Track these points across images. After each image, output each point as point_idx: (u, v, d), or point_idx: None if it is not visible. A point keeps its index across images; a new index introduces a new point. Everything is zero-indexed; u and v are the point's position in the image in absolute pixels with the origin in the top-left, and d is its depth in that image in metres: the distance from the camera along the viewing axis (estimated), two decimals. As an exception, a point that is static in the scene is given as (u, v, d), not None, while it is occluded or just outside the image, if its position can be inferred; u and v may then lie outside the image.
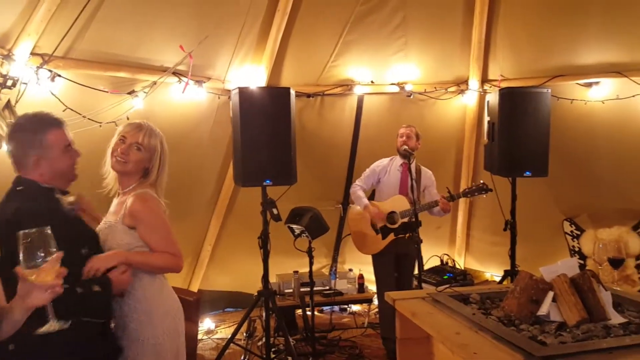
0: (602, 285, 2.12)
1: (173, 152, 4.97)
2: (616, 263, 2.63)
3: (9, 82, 3.47)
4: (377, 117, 5.63)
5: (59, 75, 3.74)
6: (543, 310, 2.04)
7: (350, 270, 5.89)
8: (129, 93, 4.18)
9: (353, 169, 5.79)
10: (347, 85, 5.37)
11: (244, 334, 4.68)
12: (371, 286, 5.56)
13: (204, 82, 4.62)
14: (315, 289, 4.54)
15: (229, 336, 4.17)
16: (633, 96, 4.67)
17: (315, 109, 5.46)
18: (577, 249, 5.35)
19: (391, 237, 4.37)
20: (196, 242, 5.53)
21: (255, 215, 3.99)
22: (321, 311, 5.81)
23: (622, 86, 4.73)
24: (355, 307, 5.91)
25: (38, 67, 3.63)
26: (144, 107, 4.28)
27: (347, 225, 5.25)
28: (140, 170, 2.42)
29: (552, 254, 5.33)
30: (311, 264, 4.29)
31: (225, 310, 5.84)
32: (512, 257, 4.39)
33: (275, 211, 3.89)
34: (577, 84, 4.97)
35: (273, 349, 4.34)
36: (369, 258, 4.63)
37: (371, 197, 4.71)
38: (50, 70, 3.69)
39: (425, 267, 5.14)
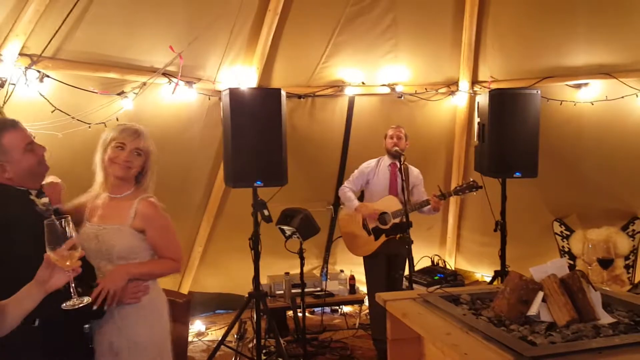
0: (592, 285, 2.13)
1: (163, 153, 4.94)
2: (605, 263, 2.65)
3: (-3, 83, 3.45)
4: (368, 118, 5.63)
5: (48, 76, 3.72)
6: (533, 310, 2.04)
7: (342, 271, 5.88)
8: (119, 94, 4.17)
9: (344, 170, 5.78)
10: (338, 87, 5.37)
11: (235, 336, 4.67)
12: (362, 287, 5.56)
13: (194, 83, 4.60)
14: (306, 290, 4.54)
15: (220, 338, 4.15)
16: (622, 97, 4.70)
17: (306, 110, 5.46)
18: (566, 249, 5.38)
19: (383, 237, 4.38)
20: (187, 244, 5.50)
21: (246, 217, 3.98)
22: (312, 312, 5.81)
23: (611, 87, 4.76)
24: (347, 309, 5.91)
25: (26, 68, 3.60)
26: (134, 108, 4.26)
27: (337, 227, 5.24)
28: (135, 175, 2.46)
29: (542, 254, 5.36)
30: (302, 265, 4.28)
31: (216, 312, 5.82)
32: (502, 257, 4.40)
33: (266, 212, 3.88)
34: (567, 85, 5.01)
35: (264, 351, 4.33)
36: (360, 259, 4.62)
37: (360, 198, 4.72)
38: (39, 71, 3.67)
39: (416, 268, 5.14)
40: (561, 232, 5.45)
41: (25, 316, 1.61)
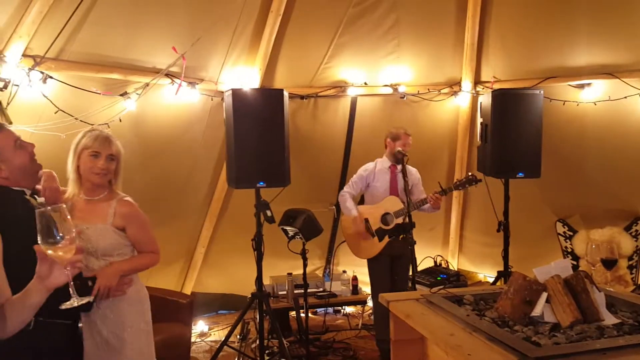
0: (596, 286, 2.12)
1: (166, 154, 4.99)
2: (609, 264, 2.64)
3: (0, 84, 3.45)
4: (371, 118, 5.63)
5: (51, 77, 3.73)
6: (537, 311, 2.04)
7: (344, 272, 5.88)
8: (122, 95, 4.17)
9: (347, 171, 5.79)
10: (340, 87, 5.37)
11: (238, 337, 4.67)
12: (365, 288, 5.56)
13: (197, 84, 4.61)
14: (309, 290, 4.53)
15: (223, 339, 4.15)
16: (625, 97, 4.69)
17: (309, 111, 5.46)
18: (569, 250, 5.37)
19: (387, 238, 4.37)
20: (189, 244, 5.51)
21: (248, 217, 3.98)
22: (315, 313, 5.81)
23: (613, 87, 4.75)
24: (349, 309, 5.91)
25: (30, 69, 3.61)
26: (137, 109, 4.27)
27: (340, 231, 5.24)
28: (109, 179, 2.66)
29: (545, 254, 5.36)
30: (305, 265, 4.28)
31: (219, 312, 5.82)
32: (505, 258, 4.40)
33: (268, 213, 3.89)
34: (569, 85, 4.99)
35: (267, 351, 4.33)
36: (363, 260, 4.61)
37: (360, 201, 4.72)
38: (42, 72, 3.68)
39: (419, 269, 5.14)
40: (564, 232, 5.44)
41: (33, 313, 1.58)
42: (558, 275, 2.10)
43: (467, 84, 5.49)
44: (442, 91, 5.57)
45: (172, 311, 4.12)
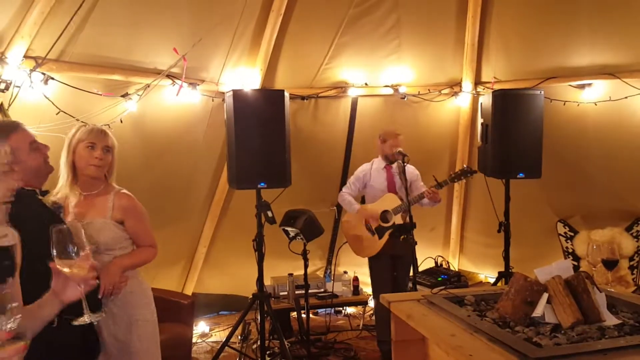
0: (597, 286, 2.13)
1: (167, 155, 4.99)
2: (610, 264, 2.63)
3: (2, 86, 3.46)
4: (371, 119, 5.63)
5: (52, 78, 3.74)
6: (538, 311, 2.04)
7: (345, 272, 5.88)
8: (123, 96, 4.18)
9: (347, 171, 5.78)
10: (341, 88, 5.37)
11: (239, 337, 4.67)
12: (366, 288, 5.56)
13: (198, 85, 4.61)
14: (310, 291, 4.54)
15: (224, 339, 4.16)
16: (625, 98, 4.69)
17: (310, 111, 5.46)
18: (570, 250, 5.37)
19: (387, 235, 4.38)
20: (190, 245, 5.51)
21: (249, 218, 3.98)
22: (316, 314, 5.81)
23: (614, 88, 4.74)
24: (350, 310, 5.91)
25: (31, 70, 3.62)
26: (138, 110, 4.27)
27: (341, 231, 5.24)
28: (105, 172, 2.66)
29: (546, 255, 5.35)
30: (306, 266, 4.29)
31: (220, 313, 5.82)
32: (506, 258, 4.40)
33: (269, 214, 3.89)
34: (570, 85, 4.99)
35: (268, 352, 4.33)
36: (364, 260, 4.63)
37: (361, 202, 4.73)
38: (44, 73, 3.69)
39: (420, 269, 5.14)
40: (565, 233, 5.44)
41: (43, 325, 1.57)
42: (559, 275, 2.10)
43: (467, 84, 5.49)
44: (443, 92, 5.56)
45: (173, 312, 4.12)
